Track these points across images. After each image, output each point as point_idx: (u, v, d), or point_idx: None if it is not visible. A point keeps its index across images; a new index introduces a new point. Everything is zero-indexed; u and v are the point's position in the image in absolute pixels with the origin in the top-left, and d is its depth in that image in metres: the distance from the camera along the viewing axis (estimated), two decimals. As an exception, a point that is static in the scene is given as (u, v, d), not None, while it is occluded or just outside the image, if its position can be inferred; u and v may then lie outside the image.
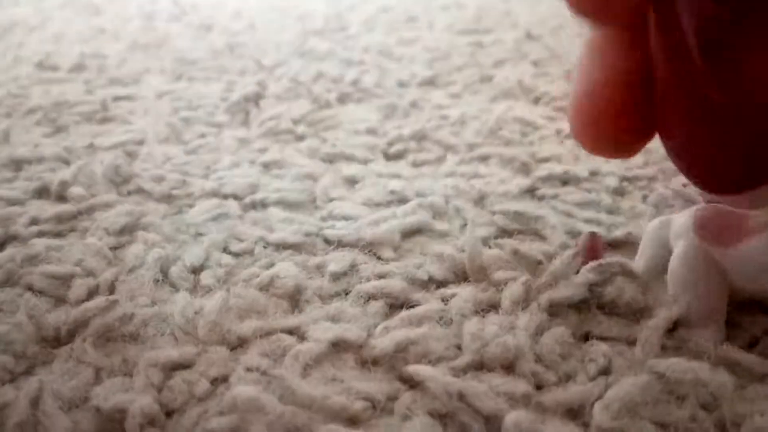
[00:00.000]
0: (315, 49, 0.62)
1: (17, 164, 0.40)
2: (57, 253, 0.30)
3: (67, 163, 0.39)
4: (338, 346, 0.24)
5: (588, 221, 0.33)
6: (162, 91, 0.52)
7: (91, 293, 0.28)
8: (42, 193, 0.36)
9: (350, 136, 0.43)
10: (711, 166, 0.16)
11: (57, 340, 0.25)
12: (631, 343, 0.24)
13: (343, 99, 0.50)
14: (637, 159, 0.39)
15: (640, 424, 0.20)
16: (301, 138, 0.43)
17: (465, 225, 0.33)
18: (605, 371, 0.23)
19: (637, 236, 0.30)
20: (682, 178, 0.36)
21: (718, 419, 0.20)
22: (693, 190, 0.34)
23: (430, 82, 0.53)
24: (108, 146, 0.41)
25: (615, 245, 0.31)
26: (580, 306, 0.26)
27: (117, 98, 0.50)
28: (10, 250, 0.30)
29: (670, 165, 0.38)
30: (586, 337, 0.25)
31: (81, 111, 0.47)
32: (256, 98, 0.49)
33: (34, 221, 0.33)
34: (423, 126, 0.43)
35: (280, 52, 0.62)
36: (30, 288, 0.28)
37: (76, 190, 0.35)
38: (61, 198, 0.36)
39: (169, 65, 0.58)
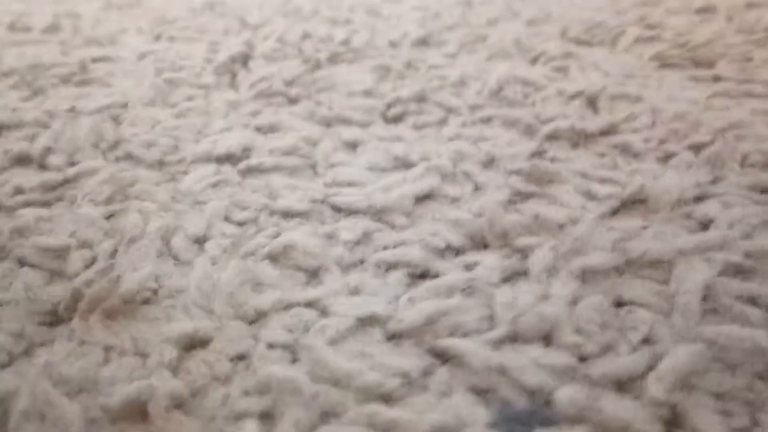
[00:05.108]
0: (300, 8, 0.59)
1: (-6, 130, 0.37)
2: (47, 223, 0.28)
3: (47, 127, 0.37)
4: (364, 320, 0.23)
5: (604, 181, 0.32)
6: (142, 52, 0.49)
7: (90, 266, 0.26)
8: (24, 160, 0.34)
9: (346, 98, 0.41)
10: None
11: (56, 317, 0.24)
12: (668, 308, 0.23)
13: (334, 59, 0.48)
14: (645, 119, 0.37)
15: (695, 396, 0.19)
16: (294, 101, 0.41)
17: (476, 189, 0.31)
18: (647, 340, 0.22)
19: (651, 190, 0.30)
20: (696, 137, 0.35)
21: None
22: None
23: (422, 42, 0.51)
24: (91, 110, 0.39)
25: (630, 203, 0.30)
26: (609, 271, 0.25)
27: (95, 59, 0.48)
28: (-4, 222, 0.28)
29: (681, 125, 0.37)
30: (618, 303, 0.24)
31: (58, 73, 0.44)
32: (243, 59, 0.47)
33: (18, 190, 0.31)
34: (422, 87, 0.42)
35: (263, 10, 0.59)
36: (22, 262, 0.26)
37: (59, 158, 0.33)
38: (44, 166, 0.33)
39: (146, 25, 0.55)
